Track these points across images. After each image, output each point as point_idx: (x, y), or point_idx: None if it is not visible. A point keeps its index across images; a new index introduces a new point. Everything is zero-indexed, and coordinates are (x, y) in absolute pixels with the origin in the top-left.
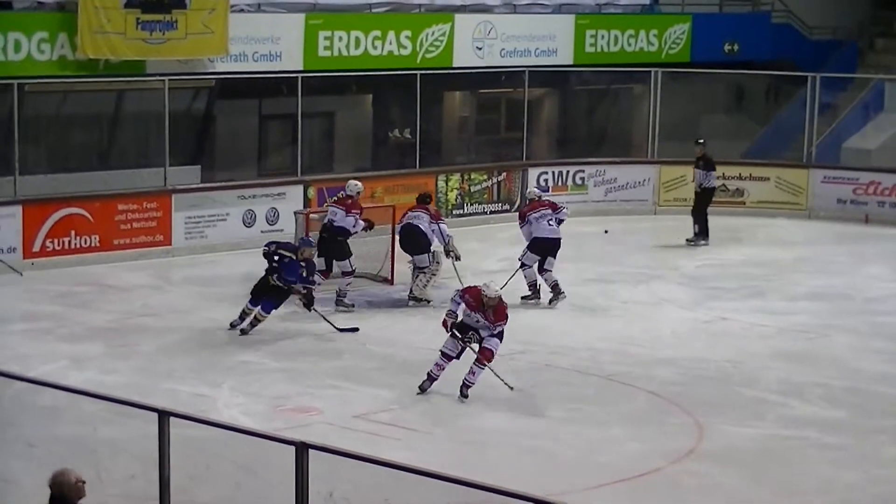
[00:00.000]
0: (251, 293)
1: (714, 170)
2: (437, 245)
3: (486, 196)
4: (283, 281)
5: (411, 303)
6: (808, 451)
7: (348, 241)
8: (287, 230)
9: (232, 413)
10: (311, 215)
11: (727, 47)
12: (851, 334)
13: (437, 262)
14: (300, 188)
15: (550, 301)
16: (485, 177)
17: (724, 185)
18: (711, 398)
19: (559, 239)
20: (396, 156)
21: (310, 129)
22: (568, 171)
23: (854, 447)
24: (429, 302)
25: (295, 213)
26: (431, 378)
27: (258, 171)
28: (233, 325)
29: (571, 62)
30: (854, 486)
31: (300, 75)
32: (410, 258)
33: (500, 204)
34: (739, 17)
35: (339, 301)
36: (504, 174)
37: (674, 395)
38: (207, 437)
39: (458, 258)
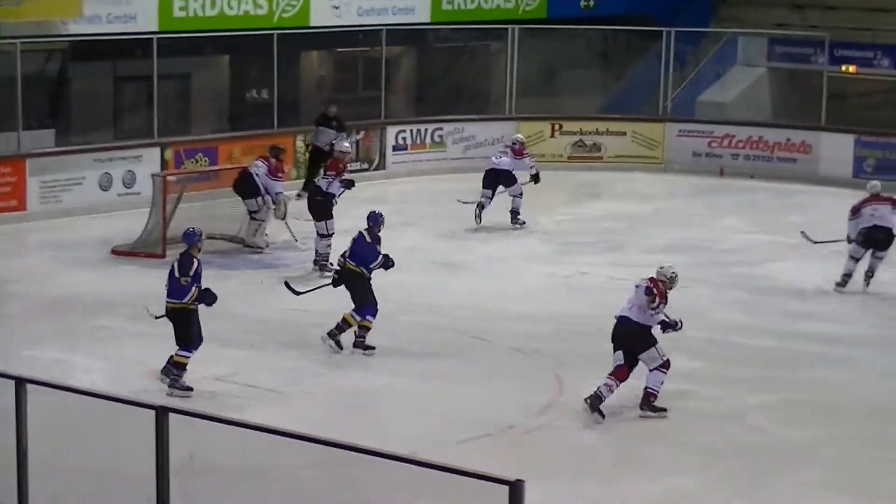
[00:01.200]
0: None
1: (345, 131)
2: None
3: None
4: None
5: (246, 250)
6: (666, 402)
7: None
8: (144, 193)
9: (92, 378)
10: (169, 178)
11: (583, 3)
12: (709, 285)
13: (268, 207)
14: (157, 150)
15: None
16: (344, 135)
17: (580, 140)
18: (571, 352)
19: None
20: (254, 116)
21: (166, 90)
22: (426, 129)
23: (713, 396)
24: (262, 249)
25: (152, 175)
26: (601, 397)
27: (114, 133)
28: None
29: (429, 20)
30: (713, 433)
31: (155, 37)
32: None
33: (359, 163)
34: None
35: (319, 263)
36: (363, 133)
37: (534, 350)
38: (68, 403)
39: (282, 217)
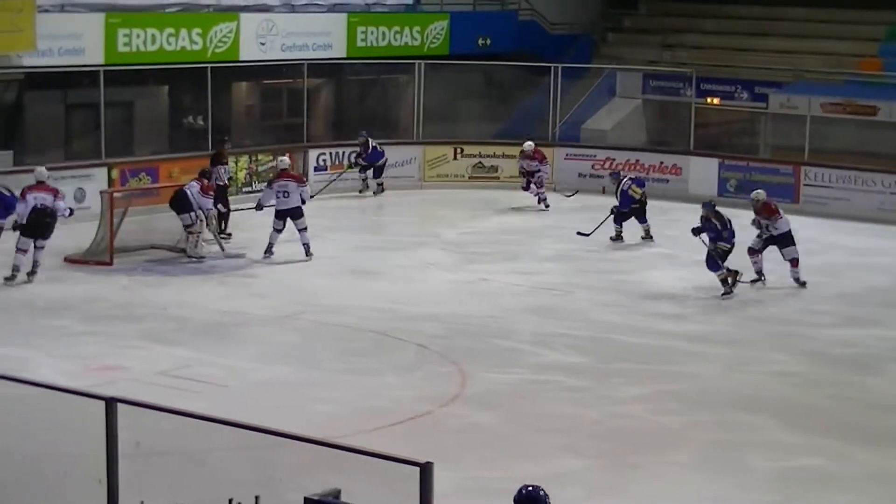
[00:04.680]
0: None
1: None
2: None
3: (272, 175)
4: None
5: (184, 259)
6: (556, 393)
7: None
8: (94, 208)
9: (44, 373)
10: (115, 194)
11: (480, 41)
12: (590, 290)
13: (201, 221)
14: (104, 170)
15: None
16: (270, 157)
17: (480, 162)
18: (473, 349)
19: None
20: (190, 140)
21: (112, 116)
22: (344, 152)
23: (595, 388)
24: (202, 258)
25: (100, 192)
26: None
27: (65, 155)
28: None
29: (345, 55)
30: (595, 421)
31: (102, 69)
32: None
33: None
34: (490, 15)
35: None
36: (287, 155)
37: (440, 347)
38: (22, 395)
39: (212, 230)
